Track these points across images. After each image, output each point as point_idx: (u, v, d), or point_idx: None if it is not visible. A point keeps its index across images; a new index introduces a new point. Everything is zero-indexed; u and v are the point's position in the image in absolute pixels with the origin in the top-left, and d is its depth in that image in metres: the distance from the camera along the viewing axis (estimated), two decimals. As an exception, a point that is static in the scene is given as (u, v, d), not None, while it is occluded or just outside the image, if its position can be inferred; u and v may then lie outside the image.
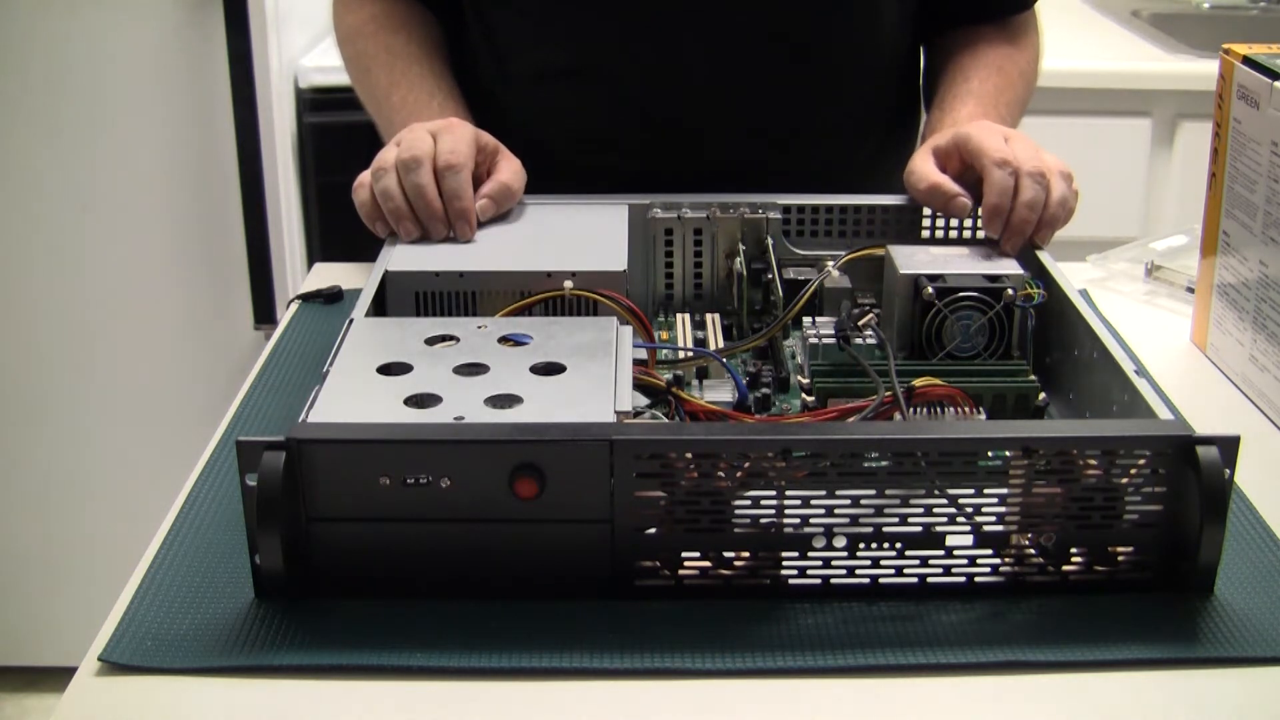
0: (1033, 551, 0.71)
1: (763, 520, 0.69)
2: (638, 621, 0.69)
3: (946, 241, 1.00)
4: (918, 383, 0.80)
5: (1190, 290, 1.10)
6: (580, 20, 1.09)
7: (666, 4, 1.06)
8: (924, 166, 0.98)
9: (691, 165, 1.09)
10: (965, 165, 0.98)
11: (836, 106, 1.14)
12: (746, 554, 0.70)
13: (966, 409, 0.80)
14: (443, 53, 1.16)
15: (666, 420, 0.79)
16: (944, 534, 0.70)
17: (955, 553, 0.71)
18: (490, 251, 0.94)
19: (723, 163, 1.11)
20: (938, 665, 0.66)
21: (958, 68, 1.13)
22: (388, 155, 0.97)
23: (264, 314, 1.87)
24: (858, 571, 0.71)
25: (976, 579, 0.71)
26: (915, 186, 0.98)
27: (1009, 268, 0.90)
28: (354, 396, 0.73)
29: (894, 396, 0.79)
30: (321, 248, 1.87)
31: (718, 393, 0.88)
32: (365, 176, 0.97)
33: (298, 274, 1.85)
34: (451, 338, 0.80)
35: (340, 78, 1.21)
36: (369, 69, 1.15)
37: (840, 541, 0.70)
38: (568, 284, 0.88)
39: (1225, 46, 0.99)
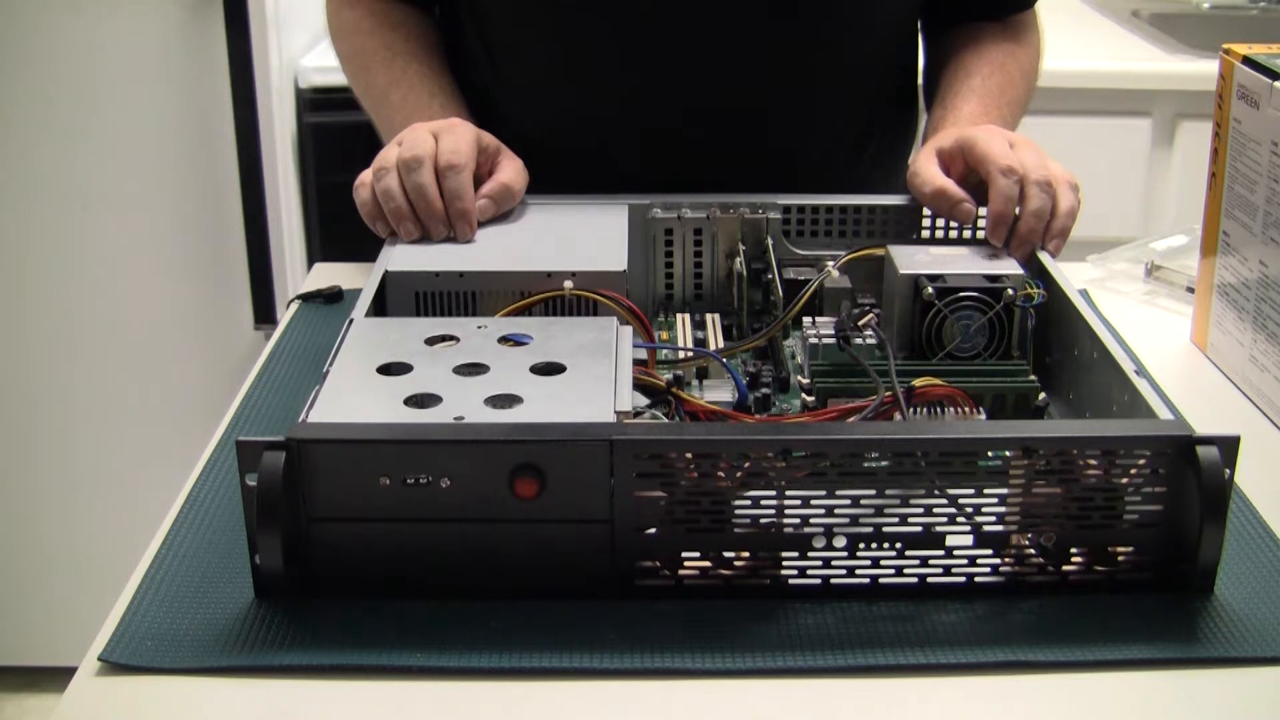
0: (1033, 551, 0.71)
1: (763, 520, 0.69)
2: (638, 621, 0.69)
3: (946, 241, 1.00)
4: (918, 383, 0.80)
5: (1190, 290, 1.10)
6: (577, 22, 1.09)
7: (663, 4, 1.06)
8: (928, 169, 0.98)
9: (691, 164, 1.09)
10: (969, 169, 0.97)
11: (837, 105, 1.14)
12: (746, 554, 0.70)
13: (966, 409, 0.80)
14: (440, 52, 1.16)
15: (666, 420, 0.79)
16: (944, 534, 0.70)
17: (955, 553, 0.71)
18: (490, 251, 0.94)
19: (722, 162, 1.10)
20: (937, 665, 0.66)
21: (960, 64, 1.13)
22: (389, 154, 0.97)
23: (264, 314, 1.87)
24: (858, 571, 0.71)
25: (976, 579, 0.71)
26: (920, 190, 0.98)
27: (1009, 268, 0.90)
28: (354, 396, 0.73)
29: (894, 396, 0.79)
30: (321, 248, 1.87)
31: (718, 393, 0.88)
32: (366, 176, 0.97)
33: (298, 274, 1.85)
34: (451, 338, 0.80)
35: (340, 78, 1.21)
36: (367, 66, 1.15)
37: (840, 541, 0.70)
38: (568, 284, 0.88)
39: (1225, 46, 0.99)
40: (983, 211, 0.95)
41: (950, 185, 0.96)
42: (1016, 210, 0.93)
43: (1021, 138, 0.97)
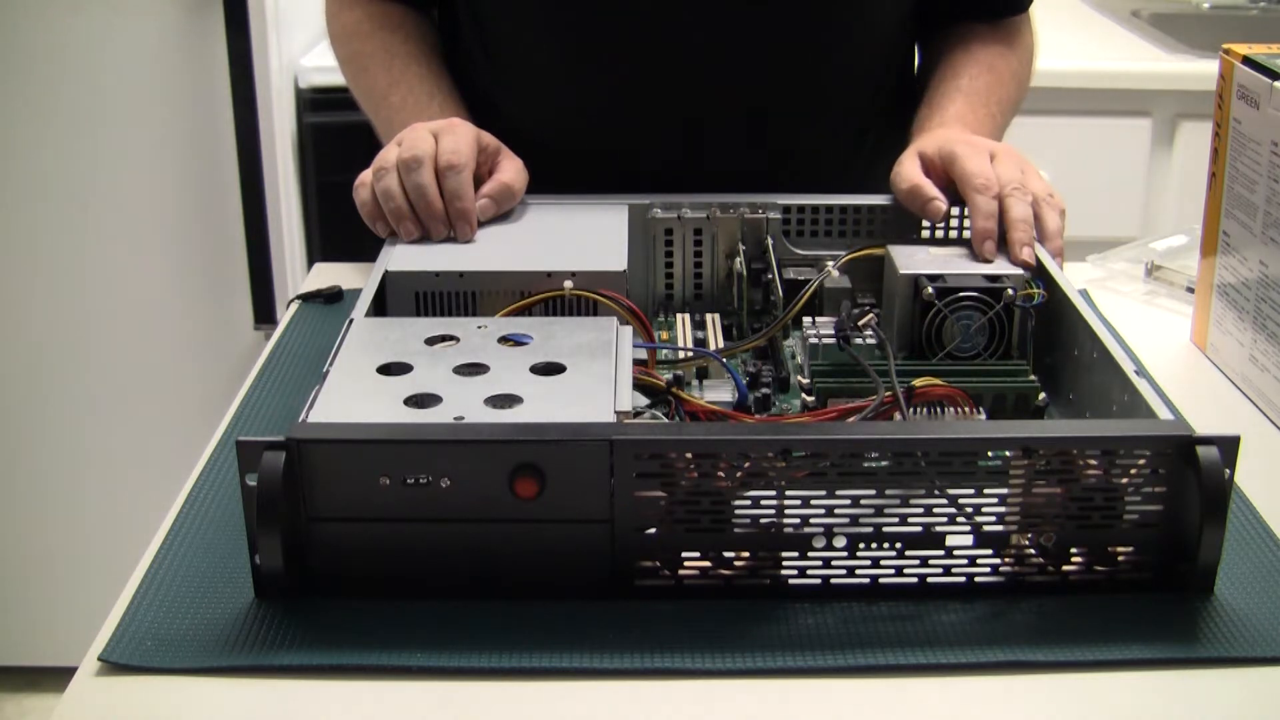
0: (1033, 551, 0.71)
1: (763, 520, 0.69)
2: (638, 621, 0.69)
3: (946, 241, 1.00)
4: (918, 383, 0.80)
5: (1190, 290, 1.10)
6: (575, 21, 1.09)
7: (662, 3, 1.06)
8: (909, 168, 0.99)
9: (691, 164, 1.09)
10: (949, 181, 0.98)
11: (837, 104, 1.14)
12: (746, 554, 0.70)
13: (966, 409, 0.80)
14: (439, 54, 1.16)
15: (666, 420, 0.79)
16: (944, 534, 0.70)
17: (955, 553, 0.71)
18: (490, 251, 0.94)
19: (722, 162, 1.11)
20: (937, 665, 0.66)
21: (949, 65, 1.14)
22: (389, 155, 0.97)
23: (264, 314, 1.87)
24: (858, 571, 0.71)
25: (976, 579, 0.71)
26: (898, 187, 0.99)
27: (1009, 268, 0.90)
28: (354, 396, 0.73)
29: (894, 396, 0.79)
30: (321, 248, 1.87)
31: (718, 393, 0.88)
32: (366, 176, 0.97)
33: (298, 274, 1.85)
34: (451, 338, 0.80)
35: (340, 77, 1.21)
36: (366, 68, 1.15)
37: (840, 541, 0.70)
38: (568, 284, 0.88)
39: (1225, 46, 0.99)
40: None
41: (924, 182, 0.97)
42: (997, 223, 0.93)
43: (1004, 148, 0.98)
